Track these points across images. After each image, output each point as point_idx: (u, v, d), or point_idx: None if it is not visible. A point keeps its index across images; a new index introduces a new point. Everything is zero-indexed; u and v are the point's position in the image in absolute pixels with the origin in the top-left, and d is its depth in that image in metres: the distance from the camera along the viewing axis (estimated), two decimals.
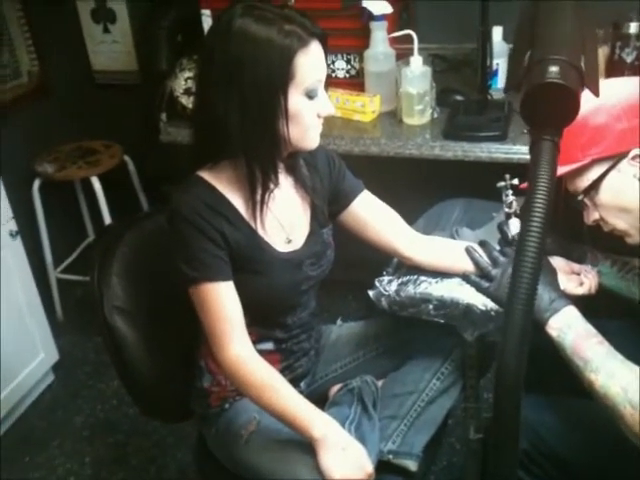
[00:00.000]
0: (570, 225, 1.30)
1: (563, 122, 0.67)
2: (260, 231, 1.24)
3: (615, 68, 1.87)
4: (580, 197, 1.20)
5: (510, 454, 0.78)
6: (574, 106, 0.66)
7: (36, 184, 2.56)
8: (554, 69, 0.67)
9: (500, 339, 0.72)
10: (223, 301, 1.19)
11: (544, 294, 1.16)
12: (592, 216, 1.21)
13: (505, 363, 0.70)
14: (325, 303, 1.66)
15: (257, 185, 1.19)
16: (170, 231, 1.21)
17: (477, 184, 1.46)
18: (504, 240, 1.34)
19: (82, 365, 2.55)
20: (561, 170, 1.16)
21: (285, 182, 1.29)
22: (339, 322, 1.59)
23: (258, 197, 1.21)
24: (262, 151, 1.17)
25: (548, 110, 0.67)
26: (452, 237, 1.46)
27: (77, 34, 2.76)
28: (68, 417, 2.34)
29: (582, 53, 0.72)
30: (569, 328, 1.12)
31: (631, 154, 1.13)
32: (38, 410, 2.38)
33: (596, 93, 0.72)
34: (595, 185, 1.17)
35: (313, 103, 1.17)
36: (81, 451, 2.20)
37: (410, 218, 1.54)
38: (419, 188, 1.99)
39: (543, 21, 0.77)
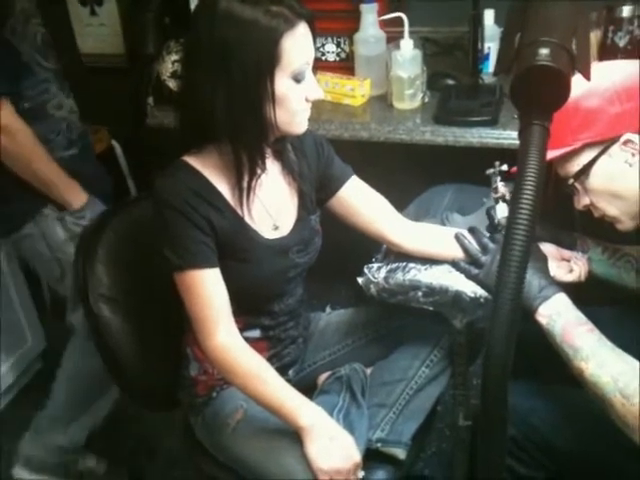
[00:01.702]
0: (560, 211, 1.29)
1: (553, 106, 0.65)
2: (247, 218, 1.22)
3: (608, 52, 1.84)
4: (570, 182, 1.18)
5: (498, 442, 0.77)
6: (565, 90, 0.65)
7: None
8: (544, 51, 0.65)
9: (489, 325, 0.71)
10: (209, 288, 1.17)
11: (534, 281, 1.15)
12: (582, 201, 1.20)
13: (493, 351, 0.69)
14: (314, 289, 1.64)
15: (243, 171, 1.17)
16: (154, 217, 1.19)
17: (468, 169, 1.44)
18: (491, 225, 1.33)
19: None
20: (551, 154, 1.14)
21: (272, 168, 1.27)
22: (328, 309, 1.58)
23: (244, 183, 1.19)
24: (248, 136, 1.15)
25: (538, 94, 0.65)
26: (442, 223, 1.45)
27: (64, 17, 2.70)
28: None
29: (574, 35, 0.70)
30: (559, 316, 1.11)
31: (623, 139, 1.11)
32: (26, 398, 2.35)
33: (587, 77, 0.70)
34: (586, 170, 1.15)
35: (301, 87, 1.14)
36: None
37: (401, 204, 1.53)
38: (410, 174, 1.97)
39: (535, 3, 0.75)
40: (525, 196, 0.63)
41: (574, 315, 1.11)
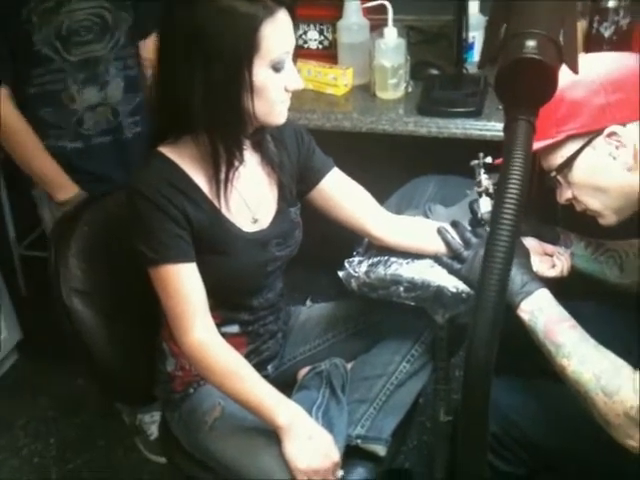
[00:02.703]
0: (543, 205, 1.27)
1: (540, 100, 0.63)
2: (224, 210, 1.19)
3: (593, 42, 1.83)
4: (553, 174, 1.16)
5: (479, 437, 0.76)
6: (552, 83, 0.62)
7: None
8: (531, 43, 0.62)
9: (471, 322, 0.69)
10: (185, 283, 1.14)
11: (516, 276, 1.13)
12: (565, 195, 1.18)
13: (475, 349, 0.67)
14: (296, 281, 1.62)
15: (221, 163, 1.14)
16: (128, 210, 1.15)
17: (452, 160, 1.42)
18: (474, 219, 1.31)
19: (47, 343, 2.46)
20: (535, 146, 1.12)
21: (251, 159, 1.24)
22: (308, 303, 1.56)
23: (222, 175, 1.15)
24: (226, 127, 1.11)
25: (524, 87, 0.63)
26: (425, 214, 1.43)
27: None
28: (33, 397, 2.28)
29: (561, 27, 0.67)
30: (541, 312, 1.10)
31: (607, 131, 1.09)
32: (2, 390, 2.32)
33: (575, 70, 0.68)
34: (569, 162, 1.13)
35: (280, 76, 1.11)
36: (46, 432, 2.15)
37: (384, 195, 1.50)
38: (393, 164, 1.94)
39: None
40: (510, 194, 0.61)
41: (556, 311, 1.09)
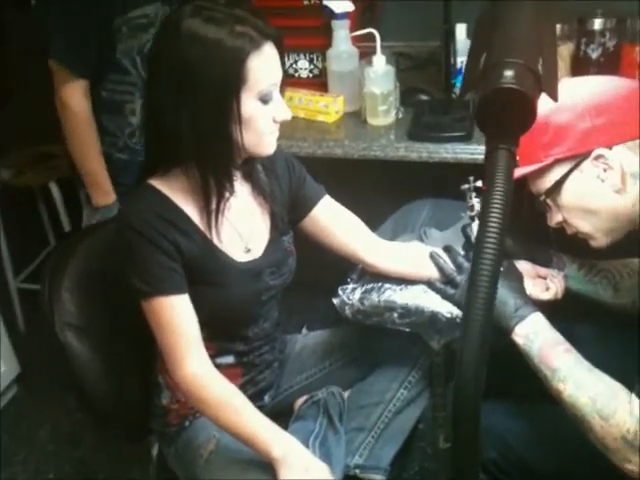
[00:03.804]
0: (535, 228, 1.27)
1: (520, 129, 0.63)
2: (216, 241, 1.19)
3: (580, 64, 1.85)
4: (542, 198, 1.17)
5: (471, 460, 0.75)
6: (531, 112, 0.62)
7: None
8: (509, 73, 0.62)
9: (459, 346, 0.68)
10: (178, 316, 1.14)
11: (509, 300, 1.13)
12: (555, 218, 1.19)
13: (464, 371, 0.66)
14: (293, 307, 1.61)
15: (211, 194, 1.14)
16: (119, 243, 1.15)
17: (445, 184, 1.42)
18: (468, 243, 1.31)
19: (46, 377, 2.46)
20: (522, 171, 1.13)
21: (242, 189, 1.24)
22: (304, 331, 1.55)
23: (213, 206, 1.16)
24: (215, 159, 1.12)
25: (504, 117, 0.63)
26: (420, 239, 1.43)
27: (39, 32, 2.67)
28: (32, 431, 2.26)
29: (540, 56, 0.68)
30: (536, 336, 1.09)
31: (594, 154, 1.10)
32: (1, 424, 2.30)
33: (554, 98, 0.68)
34: (557, 186, 1.14)
35: (268, 108, 1.12)
36: (45, 466, 2.13)
37: (376, 221, 1.50)
38: (386, 189, 1.95)
39: (500, 22, 0.73)
40: (492, 221, 0.61)
41: (551, 335, 1.09)
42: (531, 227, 1.27)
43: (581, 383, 1.03)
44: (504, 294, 1.14)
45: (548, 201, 1.17)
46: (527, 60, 0.65)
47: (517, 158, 0.64)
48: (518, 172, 1.11)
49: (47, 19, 1.69)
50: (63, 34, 1.66)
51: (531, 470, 1.21)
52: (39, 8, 2.26)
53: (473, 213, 1.31)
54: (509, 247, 1.31)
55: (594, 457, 1.03)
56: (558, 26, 1.85)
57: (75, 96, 1.69)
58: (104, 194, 1.78)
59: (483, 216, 0.61)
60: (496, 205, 0.61)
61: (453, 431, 0.70)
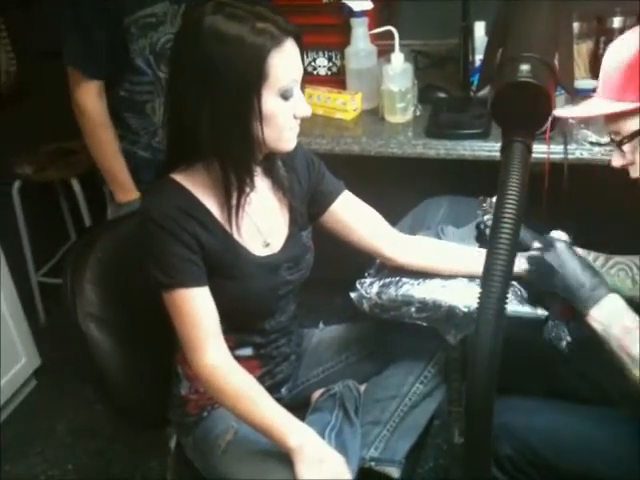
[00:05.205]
0: (551, 222, 1.27)
1: (535, 123, 0.64)
2: (236, 235, 1.21)
3: (599, 63, 1.84)
4: (619, 138, 1.13)
5: (482, 461, 0.76)
6: (546, 106, 0.64)
7: (15, 186, 2.52)
8: (525, 67, 0.64)
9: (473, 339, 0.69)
10: (198, 308, 1.16)
11: (584, 279, 1.10)
12: (628, 159, 1.15)
13: (478, 363, 0.68)
14: (310, 302, 1.63)
15: (232, 189, 1.16)
16: (141, 236, 1.17)
17: (461, 181, 1.43)
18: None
19: (65, 370, 2.50)
20: (612, 107, 1.09)
21: (262, 184, 1.26)
22: (321, 326, 1.56)
23: (233, 201, 1.17)
24: (236, 154, 1.14)
25: (520, 110, 0.64)
26: (437, 236, 1.44)
27: (55, 32, 2.70)
28: (50, 423, 2.30)
29: (556, 50, 0.69)
30: (614, 319, 1.07)
31: None
32: (20, 416, 2.34)
33: (571, 92, 0.69)
34: None
35: (288, 104, 1.13)
36: (63, 458, 2.17)
37: (393, 217, 1.51)
38: (404, 186, 1.96)
39: (516, 17, 0.74)
40: (507, 213, 0.62)
41: (629, 318, 1.07)
42: (547, 219, 1.27)
43: None
44: (579, 273, 1.11)
45: (625, 141, 1.13)
46: (543, 54, 0.67)
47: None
48: (611, 108, 1.09)
49: (58, 21, 1.72)
50: (74, 37, 1.68)
51: (548, 466, 1.21)
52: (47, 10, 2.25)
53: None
54: (524, 238, 1.31)
55: (610, 452, 1.02)
56: (577, 24, 1.85)
57: (89, 97, 1.71)
58: (126, 191, 1.80)
59: (498, 208, 0.62)
60: (511, 196, 0.62)
61: (465, 423, 0.71)
